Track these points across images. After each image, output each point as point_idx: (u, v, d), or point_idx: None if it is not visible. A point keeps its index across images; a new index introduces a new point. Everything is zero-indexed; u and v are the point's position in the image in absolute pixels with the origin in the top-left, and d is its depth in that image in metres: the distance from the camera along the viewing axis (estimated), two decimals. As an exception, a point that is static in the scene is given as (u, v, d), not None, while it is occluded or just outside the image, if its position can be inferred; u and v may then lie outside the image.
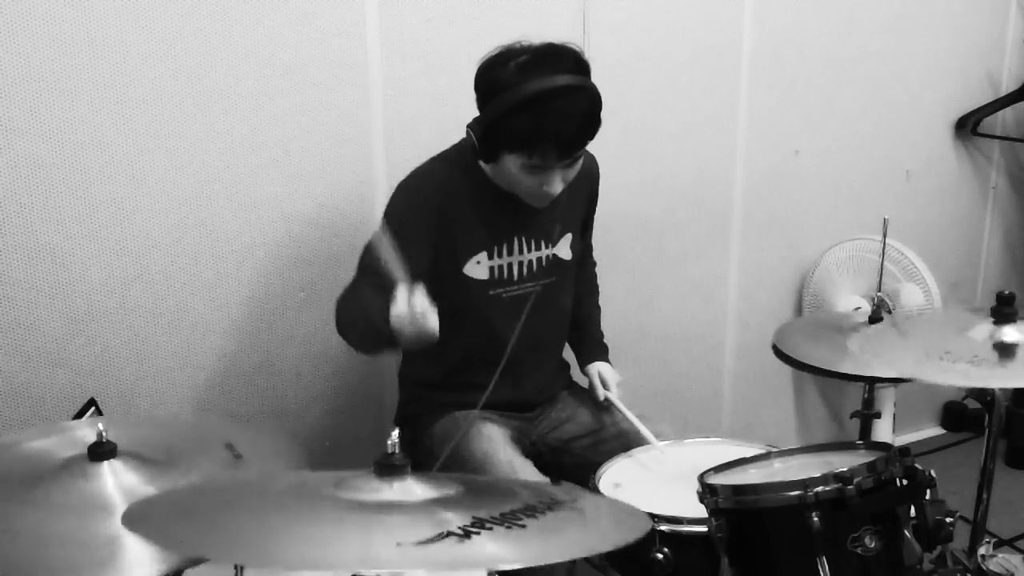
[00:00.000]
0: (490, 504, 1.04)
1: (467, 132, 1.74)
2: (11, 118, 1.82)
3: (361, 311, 1.70)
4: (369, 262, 1.79)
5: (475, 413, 1.90)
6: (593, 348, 2.14)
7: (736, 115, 2.70)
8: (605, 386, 2.05)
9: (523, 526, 0.97)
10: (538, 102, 1.62)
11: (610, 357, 2.15)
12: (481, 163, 1.83)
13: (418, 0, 2.16)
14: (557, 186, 1.73)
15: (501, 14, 2.24)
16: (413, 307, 1.55)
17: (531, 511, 1.02)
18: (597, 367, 2.08)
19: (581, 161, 1.77)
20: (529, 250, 1.90)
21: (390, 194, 1.87)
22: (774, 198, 2.84)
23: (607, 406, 2.04)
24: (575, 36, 2.34)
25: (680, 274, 2.73)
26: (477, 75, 1.71)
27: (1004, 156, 3.32)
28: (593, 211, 2.09)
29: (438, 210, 1.81)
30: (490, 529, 0.95)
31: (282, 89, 2.05)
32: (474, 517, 0.97)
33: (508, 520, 0.98)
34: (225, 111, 2.00)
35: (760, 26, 2.65)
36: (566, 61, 1.68)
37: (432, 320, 1.57)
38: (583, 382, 2.15)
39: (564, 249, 1.97)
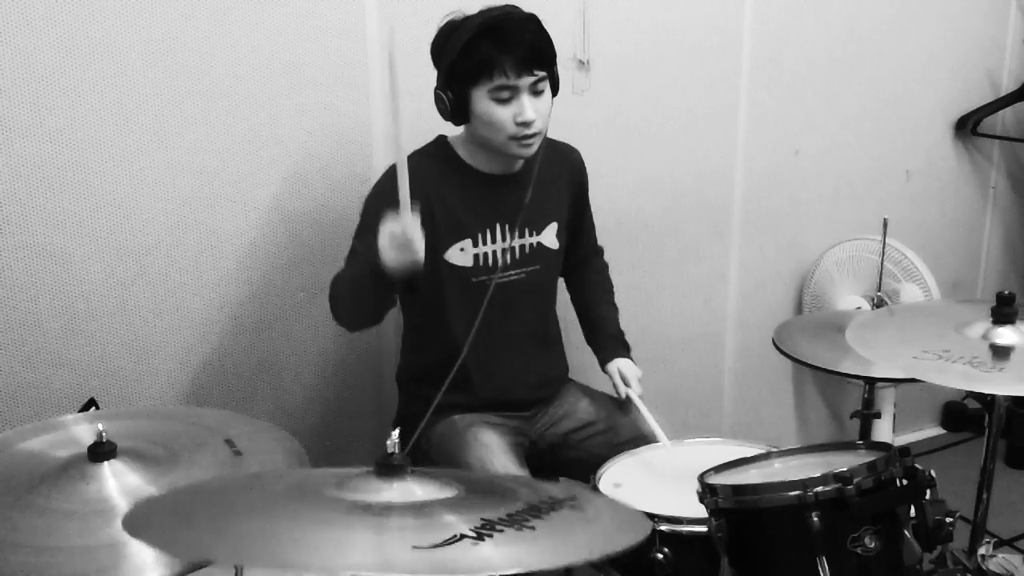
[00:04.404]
0: (493, 505, 1.03)
1: (435, 97, 1.82)
2: (12, 118, 1.82)
3: (353, 269, 1.76)
4: (358, 247, 1.80)
5: (474, 418, 1.91)
6: (612, 345, 2.10)
7: (736, 115, 2.70)
8: (626, 383, 2.02)
9: (532, 527, 0.97)
10: (484, 28, 1.73)
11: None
12: (457, 149, 1.87)
13: (418, 0, 2.16)
14: (528, 112, 1.75)
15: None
16: (403, 228, 1.57)
17: (535, 511, 1.02)
18: (617, 364, 2.06)
19: (549, 99, 1.80)
20: (514, 237, 1.91)
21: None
22: (774, 198, 2.84)
23: (626, 402, 2.01)
24: (575, 36, 2.34)
25: (680, 274, 2.73)
26: (431, 49, 1.83)
27: (1004, 156, 3.32)
28: (584, 203, 2.09)
29: (419, 197, 1.81)
30: (501, 531, 0.94)
31: (282, 89, 2.05)
32: (483, 519, 0.96)
33: (517, 521, 0.97)
34: (225, 111, 2.00)
35: (760, 26, 2.66)
36: (502, 6, 1.80)
37: (418, 242, 1.58)
38: (581, 379, 2.15)
39: (550, 237, 1.97)
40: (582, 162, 2.06)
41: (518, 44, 1.73)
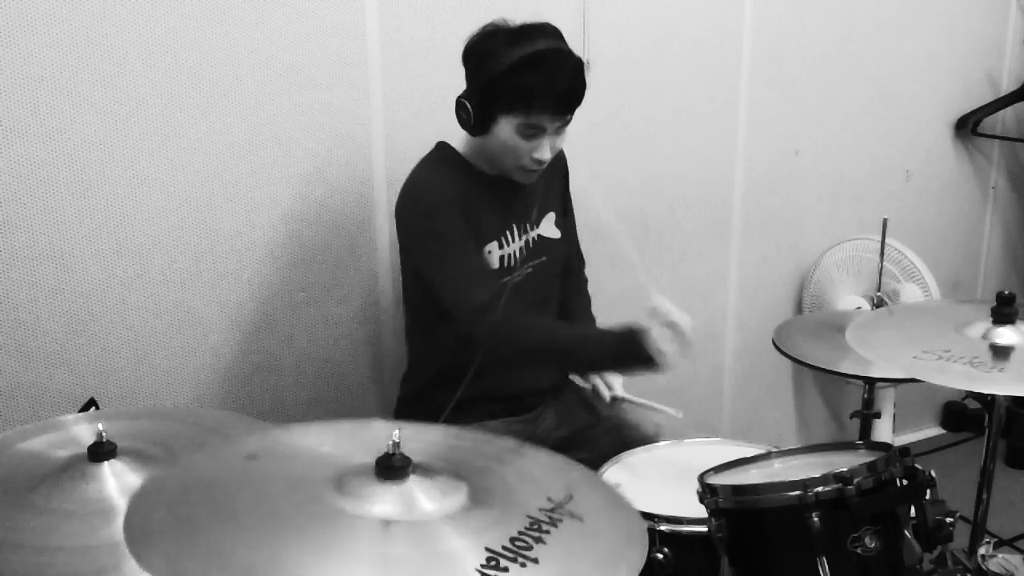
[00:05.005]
0: (496, 520, 1.03)
1: (458, 104, 1.78)
2: (11, 118, 1.82)
3: (581, 349, 1.85)
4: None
5: (475, 427, 1.91)
6: None
7: (736, 115, 2.70)
8: (610, 387, 2.05)
9: (535, 560, 0.97)
10: (534, 62, 1.69)
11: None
12: (463, 153, 1.86)
13: (418, 0, 2.16)
14: (547, 153, 1.76)
15: (500, 14, 2.24)
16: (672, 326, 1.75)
17: (536, 530, 1.03)
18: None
19: (565, 131, 1.81)
20: (521, 234, 1.92)
21: (391, 197, 1.86)
22: (774, 198, 2.84)
23: (619, 403, 2.03)
24: (575, 36, 2.34)
25: (680, 274, 2.73)
26: (467, 49, 1.77)
27: (1004, 156, 3.32)
28: (568, 197, 2.08)
29: (460, 205, 1.82)
30: (506, 570, 0.95)
31: (282, 89, 2.05)
32: (488, 550, 0.97)
33: (519, 553, 0.98)
34: (225, 111, 2.00)
35: (760, 26, 2.66)
36: (549, 31, 1.76)
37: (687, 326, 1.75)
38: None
39: (549, 228, 1.98)
40: (563, 152, 2.04)
41: (560, 89, 1.71)
